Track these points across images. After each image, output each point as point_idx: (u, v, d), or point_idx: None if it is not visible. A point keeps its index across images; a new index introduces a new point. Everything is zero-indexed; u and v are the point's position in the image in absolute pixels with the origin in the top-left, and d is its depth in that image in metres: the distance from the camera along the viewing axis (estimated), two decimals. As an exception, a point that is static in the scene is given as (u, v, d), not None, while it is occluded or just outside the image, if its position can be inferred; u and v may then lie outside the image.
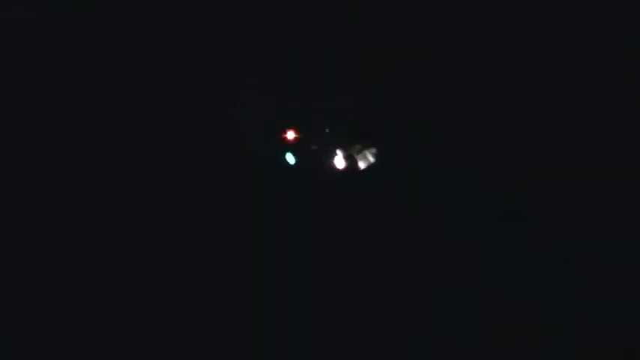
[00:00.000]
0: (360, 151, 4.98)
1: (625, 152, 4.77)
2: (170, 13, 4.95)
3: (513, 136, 4.88)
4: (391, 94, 5.02)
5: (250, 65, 5.02)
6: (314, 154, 4.98)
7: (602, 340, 4.53)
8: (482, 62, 4.92)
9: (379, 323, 4.77)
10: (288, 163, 4.97)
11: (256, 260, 4.87)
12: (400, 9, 4.94)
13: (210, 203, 4.95)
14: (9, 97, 4.72)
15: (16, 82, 4.72)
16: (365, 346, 4.73)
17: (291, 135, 4.92)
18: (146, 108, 4.96)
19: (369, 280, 4.87)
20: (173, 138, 4.98)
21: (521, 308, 4.69)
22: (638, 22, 4.75)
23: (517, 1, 4.86)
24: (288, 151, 4.97)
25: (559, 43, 4.85)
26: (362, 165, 4.99)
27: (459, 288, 4.79)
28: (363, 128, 5.00)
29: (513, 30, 4.88)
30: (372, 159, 4.97)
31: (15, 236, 4.68)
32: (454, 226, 4.85)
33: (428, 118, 4.99)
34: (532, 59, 4.89)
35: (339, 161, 4.99)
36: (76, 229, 4.86)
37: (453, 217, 4.85)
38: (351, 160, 4.98)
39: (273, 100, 5.03)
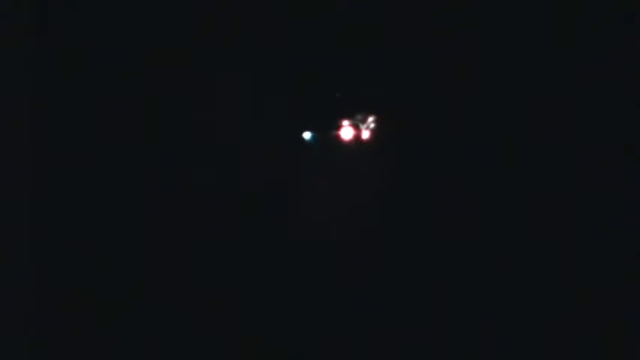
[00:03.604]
0: (363, 121, 5.01)
1: (623, 151, 4.81)
2: (170, 13, 4.96)
3: (512, 135, 4.91)
4: (391, 94, 5.04)
5: (249, 65, 5.03)
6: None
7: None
8: (482, 62, 4.94)
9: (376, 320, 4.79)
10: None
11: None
12: (400, 9, 4.96)
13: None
14: (9, 97, 4.71)
15: (16, 82, 4.72)
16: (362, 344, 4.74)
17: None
18: (145, 107, 4.96)
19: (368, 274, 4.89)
20: (171, 136, 4.99)
21: (520, 307, 4.71)
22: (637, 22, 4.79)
23: (516, 3, 4.90)
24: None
25: (557, 44, 4.89)
26: (366, 135, 5.04)
27: (458, 284, 4.81)
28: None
29: (512, 31, 4.91)
30: (372, 126, 5.00)
31: (15, 236, 4.67)
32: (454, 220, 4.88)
33: (428, 117, 5.00)
34: (530, 60, 4.92)
35: (347, 132, 5.05)
36: (75, 227, 4.87)
37: (454, 211, 4.87)
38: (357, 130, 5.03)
39: (271, 99, 5.04)
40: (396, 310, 4.78)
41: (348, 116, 5.05)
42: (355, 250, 4.90)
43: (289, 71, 5.00)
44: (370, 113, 5.04)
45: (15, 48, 4.70)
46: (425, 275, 4.83)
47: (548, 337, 4.64)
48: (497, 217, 4.87)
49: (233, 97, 5.00)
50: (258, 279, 4.87)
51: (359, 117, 5.02)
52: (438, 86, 4.96)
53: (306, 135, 4.99)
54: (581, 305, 4.64)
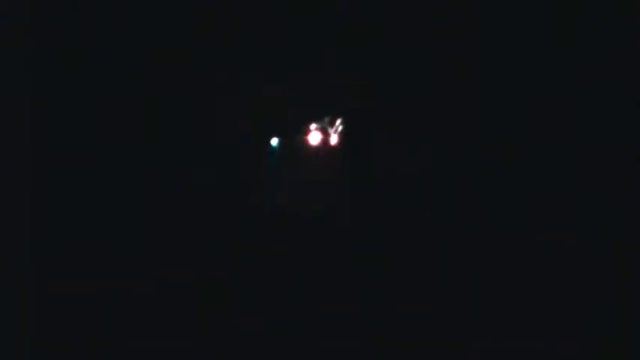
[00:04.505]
0: (331, 124, 5.02)
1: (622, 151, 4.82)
2: (170, 13, 4.96)
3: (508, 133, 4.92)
4: (390, 93, 5.05)
5: (250, 64, 5.04)
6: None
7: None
8: (482, 62, 4.95)
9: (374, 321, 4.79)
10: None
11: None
12: (400, 9, 4.97)
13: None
14: (9, 97, 4.71)
15: (16, 82, 4.72)
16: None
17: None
18: (145, 107, 4.97)
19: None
20: (171, 136, 5.00)
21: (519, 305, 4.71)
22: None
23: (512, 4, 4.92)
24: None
25: (557, 44, 4.89)
26: (335, 139, 5.05)
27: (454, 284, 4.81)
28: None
29: (512, 31, 4.92)
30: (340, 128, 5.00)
31: (15, 236, 4.67)
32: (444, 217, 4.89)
33: (426, 116, 5.02)
34: (530, 60, 4.93)
35: (315, 137, 5.09)
36: (75, 227, 4.87)
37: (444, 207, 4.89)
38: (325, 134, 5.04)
39: (270, 98, 5.06)
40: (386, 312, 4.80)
41: (316, 119, 5.04)
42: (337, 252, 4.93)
43: (289, 71, 5.02)
44: (338, 116, 5.04)
45: (15, 48, 4.70)
46: (423, 276, 4.84)
47: (547, 336, 4.64)
48: (497, 217, 4.88)
49: (233, 97, 5.01)
50: (256, 278, 4.88)
51: (327, 120, 5.03)
52: (438, 86, 4.97)
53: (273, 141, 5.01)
54: (580, 305, 4.64)
